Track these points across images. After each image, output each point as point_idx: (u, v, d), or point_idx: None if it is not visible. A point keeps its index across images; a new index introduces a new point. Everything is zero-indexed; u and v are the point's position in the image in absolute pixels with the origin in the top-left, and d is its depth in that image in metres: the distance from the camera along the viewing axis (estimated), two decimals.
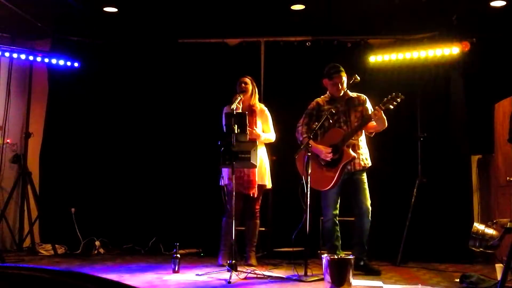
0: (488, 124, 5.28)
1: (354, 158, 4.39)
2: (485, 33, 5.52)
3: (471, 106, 5.59)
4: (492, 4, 4.98)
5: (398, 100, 4.27)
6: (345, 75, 4.56)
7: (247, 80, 4.94)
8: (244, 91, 4.85)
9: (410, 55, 5.60)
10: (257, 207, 4.90)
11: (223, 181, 4.82)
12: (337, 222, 4.55)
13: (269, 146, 5.11)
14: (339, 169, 4.35)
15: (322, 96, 4.69)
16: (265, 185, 4.92)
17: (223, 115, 4.90)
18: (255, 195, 4.80)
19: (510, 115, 4.27)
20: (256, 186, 4.81)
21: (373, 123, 4.38)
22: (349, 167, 4.42)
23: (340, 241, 4.57)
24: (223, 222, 4.87)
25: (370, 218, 4.45)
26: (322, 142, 4.49)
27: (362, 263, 4.40)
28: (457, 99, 5.66)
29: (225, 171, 4.83)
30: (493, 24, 5.45)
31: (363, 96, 4.63)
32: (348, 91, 4.57)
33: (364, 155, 4.51)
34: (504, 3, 4.94)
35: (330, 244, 4.54)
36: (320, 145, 4.44)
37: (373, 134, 4.59)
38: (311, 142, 4.40)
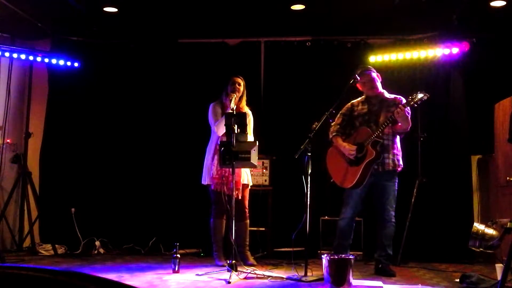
0: (488, 124, 5.28)
1: (378, 157, 4.32)
2: (485, 33, 5.52)
3: (471, 106, 5.59)
4: (492, 4, 4.97)
5: (424, 99, 4.21)
6: (375, 73, 4.51)
7: (241, 81, 4.91)
8: (237, 92, 4.83)
9: (410, 55, 5.60)
10: (246, 207, 4.89)
11: (206, 181, 4.80)
12: (353, 223, 4.51)
13: (268, 146, 5.10)
14: (362, 167, 4.32)
15: (359, 98, 4.65)
16: (247, 184, 4.90)
17: (210, 111, 4.89)
18: (239, 196, 4.71)
19: (510, 115, 4.28)
20: (240, 187, 4.76)
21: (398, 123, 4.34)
22: (376, 167, 4.37)
23: (351, 242, 4.54)
24: (211, 223, 4.87)
25: (393, 223, 4.42)
26: (350, 141, 4.50)
27: (380, 265, 4.38)
28: (457, 99, 5.66)
29: (207, 170, 4.81)
30: (493, 24, 5.45)
31: (400, 98, 4.50)
32: (385, 92, 4.55)
33: (395, 156, 4.43)
34: (504, 3, 4.94)
35: (338, 242, 4.51)
36: (345, 143, 4.46)
37: (403, 135, 4.51)
38: (337, 139, 4.48)
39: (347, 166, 4.43)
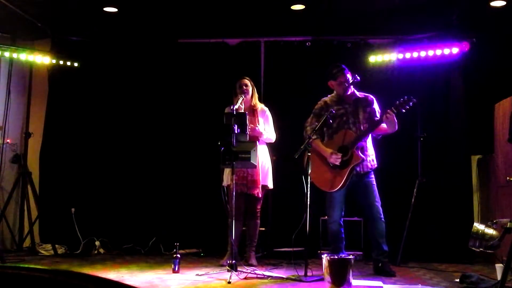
0: (488, 124, 5.28)
1: (363, 160, 4.35)
2: (485, 33, 5.52)
3: (471, 106, 5.59)
4: (492, 4, 4.98)
5: (411, 104, 4.24)
6: (349, 73, 4.54)
7: (247, 82, 4.95)
8: (245, 93, 4.86)
9: (410, 55, 5.60)
10: (259, 207, 4.91)
11: (226, 182, 4.83)
12: (342, 224, 4.53)
13: (269, 146, 5.11)
14: (348, 171, 4.33)
15: (329, 96, 4.65)
16: (267, 186, 4.93)
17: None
18: (259, 195, 4.81)
19: (510, 115, 4.28)
20: (260, 186, 4.82)
21: (383, 125, 4.35)
22: (358, 169, 4.39)
23: (344, 242, 4.55)
24: (229, 223, 4.86)
25: (383, 219, 4.43)
26: (331, 143, 4.44)
27: (380, 264, 4.38)
28: (457, 99, 5.66)
29: (226, 172, 4.84)
30: (493, 24, 5.45)
31: (371, 97, 4.59)
32: (355, 91, 4.57)
33: (371, 156, 4.49)
34: (504, 3, 4.94)
35: (334, 246, 4.50)
36: (329, 148, 4.40)
37: (380, 136, 4.55)
38: (318, 142, 4.43)
39: (330, 169, 4.39)
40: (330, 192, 4.42)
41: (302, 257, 4.36)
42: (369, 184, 4.44)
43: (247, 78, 5.00)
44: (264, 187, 4.91)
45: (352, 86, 4.55)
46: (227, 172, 4.83)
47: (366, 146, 4.46)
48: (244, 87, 4.90)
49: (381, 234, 4.43)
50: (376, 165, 4.53)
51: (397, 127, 4.35)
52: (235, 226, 4.75)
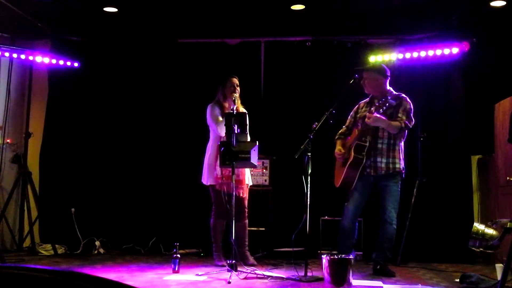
0: (488, 124, 5.28)
1: (358, 161, 4.29)
2: (485, 33, 5.52)
3: (471, 106, 5.59)
4: (492, 4, 4.97)
5: (387, 104, 4.18)
6: (369, 73, 4.49)
7: (237, 82, 4.91)
8: (235, 93, 4.82)
9: (410, 55, 5.60)
10: (246, 207, 4.89)
11: (210, 181, 4.80)
12: (355, 223, 4.49)
13: (268, 146, 5.11)
14: (345, 169, 4.37)
15: (367, 98, 4.66)
16: (247, 184, 4.92)
17: (209, 112, 4.85)
18: (243, 195, 4.76)
19: (510, 115, 4.27)
20: (245, 186, 4.79)
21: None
22: (368, 170, 4.36)
23: (354, 242, 4.53)
24: (212, 223, 4.87)
25: (394, 225, 4.39)
26: (346, 142, 4.57)
27: (378, 266, 4.37)
28: (457, 99, 5.66)
29: (209, 170, 4.81)
30: (493, 24, 5.45)
31: (402, 97, 4.42)
32: (392, 90, 4.47)
33: (392, 159, 4.36)
34: (504, 3, 4.94)
35: (340, 243, 4.49)
36: (338, 147, 4.55)
37: (400, 135, 4.41)
38: (337, 142, 4.59)
39: (341, 167, 4.51)
40: (349, 189, 4.49)
41: (302, 257, 4.35)
42: (385, 188, 4.39)
43: (236, 77, 4.94)
44: (246, 185, 4.88)
45: (384, 87, 4.47)
46: (209, 170, 4.80)
47: (386, 148, 4.37)
48: (236, 86, 4.87)
49: (387, 239, 4.40)
50: (399, 170, 4.38)
51: (390, 124, 4.26)
52: (221, 225, 4.75)
